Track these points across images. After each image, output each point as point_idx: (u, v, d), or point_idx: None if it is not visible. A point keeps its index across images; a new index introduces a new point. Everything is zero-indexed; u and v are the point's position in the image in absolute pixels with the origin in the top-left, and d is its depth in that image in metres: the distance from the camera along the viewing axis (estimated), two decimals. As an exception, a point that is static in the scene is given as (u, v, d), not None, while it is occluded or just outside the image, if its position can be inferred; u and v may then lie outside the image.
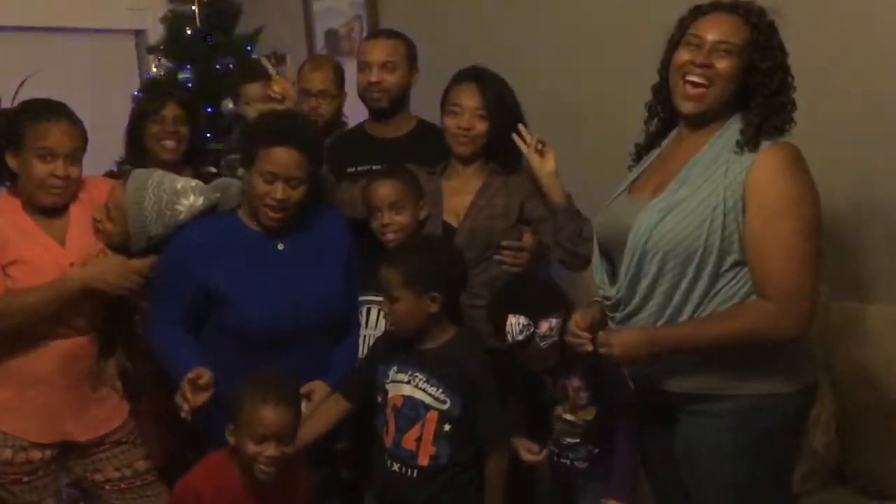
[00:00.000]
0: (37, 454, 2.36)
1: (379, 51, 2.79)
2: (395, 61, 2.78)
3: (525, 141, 2.46)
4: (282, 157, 2.26)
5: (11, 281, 2.27)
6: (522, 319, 2.14)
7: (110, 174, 2.84)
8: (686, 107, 1.96)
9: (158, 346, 2.36)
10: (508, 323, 2.15)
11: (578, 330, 2.08)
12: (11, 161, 2.34)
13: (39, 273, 2.28)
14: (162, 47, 3.97)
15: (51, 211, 2.36)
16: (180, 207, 2.31)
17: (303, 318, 2.35)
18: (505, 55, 3.03)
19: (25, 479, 2.35)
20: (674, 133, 2.07)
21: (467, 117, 2.50)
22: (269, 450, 2.07)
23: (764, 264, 1.84)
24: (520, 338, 2.15)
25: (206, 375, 2.17)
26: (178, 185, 2.33)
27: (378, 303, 2.38)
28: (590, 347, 2.03)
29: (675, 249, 1.88)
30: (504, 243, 2.50)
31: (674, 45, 1.99)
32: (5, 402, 2.33)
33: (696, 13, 1.97)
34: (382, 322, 2.42)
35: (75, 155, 2.35)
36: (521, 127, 2.49)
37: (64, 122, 2.32)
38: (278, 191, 2.27)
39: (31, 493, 2.37)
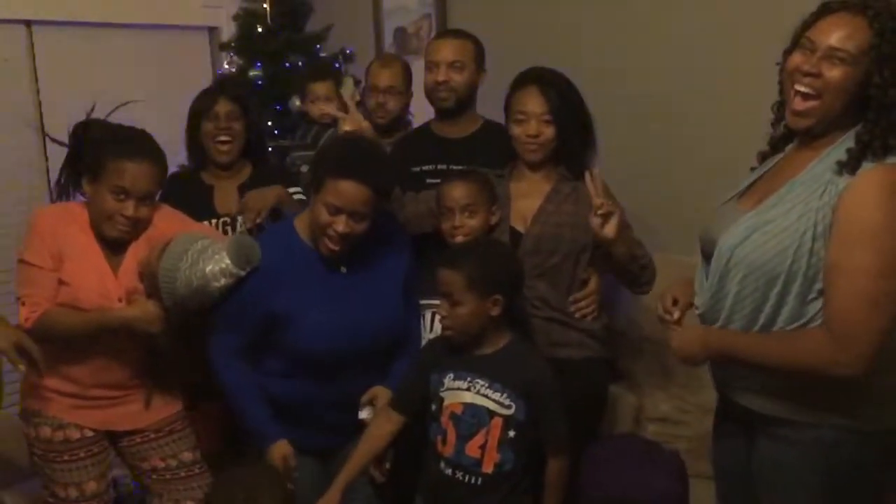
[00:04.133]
0: (74, 433, 2.39)
1: (447, 50, 2.78)
2: (463, 61, 2.77)
3: (594, 190, 2.30)
4: (349, 191, 2.17)
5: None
6: None
7: (175, 174, 2.84)
8: (792, 122, 1.82)
9: (227, 385, 2.34)
10: None
11: (669, 307, 2.02)
12: (87, 186, 2.34)
13: (84, 299, 2.29)
14: (234, 44, 4.04)
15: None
16: (210, 290, 2.24)
17: (364, 343, 2.32)
18: (576, 56, 2.98)
19: (66, 457, 2.39)
20: (795, 142, 1.93)
21: (534, 124, 2.45)
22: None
23: (831, 295, 1.70)
24: None
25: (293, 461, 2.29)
26: (208, 269, 2.22)
27: (437, 306, 2.32)
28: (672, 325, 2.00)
29: (756, 271, 1.78)
30: (572, 298, 2.47)
31: (794, 44, 1.80)
32: (48, 386, 2.37)
33: (822, 11, 1.77)
34: (439, 325, 2.36)
35: (149, 196, 2.34)
36: (590, 173, 2.32)
37: (146, 163, 2.29)
38: (340, 224, 2.20)
39: (71, 472, 2.39)
